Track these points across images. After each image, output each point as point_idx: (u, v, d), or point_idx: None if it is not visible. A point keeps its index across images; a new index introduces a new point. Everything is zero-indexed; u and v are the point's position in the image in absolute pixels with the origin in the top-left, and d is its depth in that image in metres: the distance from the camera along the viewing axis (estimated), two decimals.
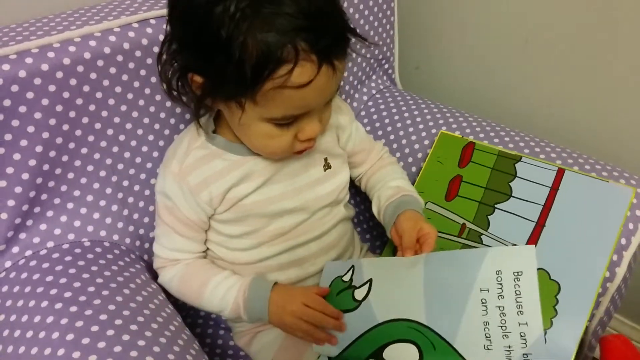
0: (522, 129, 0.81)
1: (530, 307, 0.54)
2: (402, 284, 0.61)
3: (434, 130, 0.81)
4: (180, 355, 0.50)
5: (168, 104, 0.66)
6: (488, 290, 0.56)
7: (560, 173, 0.68)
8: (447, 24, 1.00)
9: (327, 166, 0.67)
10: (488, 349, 0.55)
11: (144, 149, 0.65)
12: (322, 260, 0.67)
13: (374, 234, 0.89)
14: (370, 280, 0.62)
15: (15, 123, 0.54)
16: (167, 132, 0.67)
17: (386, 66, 0.93)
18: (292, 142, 0.56)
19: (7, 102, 0.53)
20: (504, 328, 0.55)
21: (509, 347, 0.54)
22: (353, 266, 0.64)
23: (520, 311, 0.54)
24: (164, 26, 0.63)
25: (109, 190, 0.64)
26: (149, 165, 0.66)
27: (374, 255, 0.78)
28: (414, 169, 0.80)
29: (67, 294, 0.53)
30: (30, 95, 0.54)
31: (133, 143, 0.64)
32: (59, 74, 0.55)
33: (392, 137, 0.83)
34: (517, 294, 0.55)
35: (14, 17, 0.63)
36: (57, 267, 0.57)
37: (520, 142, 0.76)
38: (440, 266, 0.59)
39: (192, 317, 0.79)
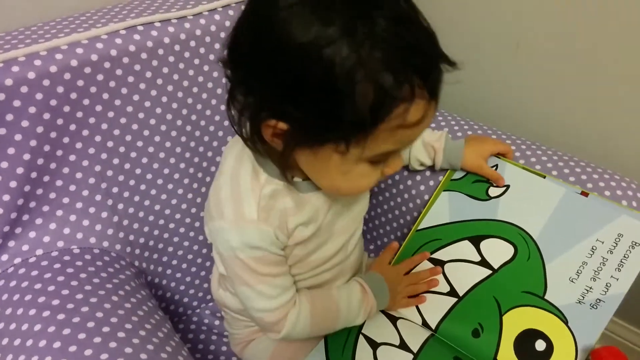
0: (514, 132, 0.81)
1: (629, 271, 0.60)
2: (535, 201, 0.68)
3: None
4: None
5: (158, 110, 0.66)
6: (603, 242, 0.63)
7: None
8: (440, 28, 1.00)
9: None
10: (571, 281, 0.62)
11: (133, 154, 0.65)
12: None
13: (378, 243, 0.88)
14: (507, 186, 0.70)
15: (2, 131, 0.55)
16: (157, 138, 0.67)
17: None
18: (378, 178, 0.54)
19: None
20: (596, 272, 0.61)
21: (590, 287, 0.61)
22: (497, 165, 0.72)
23: (618, 269, 0.61)
24: (151, 32, 0.62)
25: (98, 197, 0.64)
26: (138, 171, 0.66)
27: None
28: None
29: (55, 302, 0.53)
30: (17, 103, 0.54)
31: (122, 149, 0.64)
32: (46, 82, 0.55)
33: None
34: (624, 257, 0.61)
35: (4, 25, 0.64)
36: (45, 274, 0.57)
37: (512, 146, 0.76)
38: (575, 205, 0.66)
39: (185, 322, 0.79)
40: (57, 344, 0.49)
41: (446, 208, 0.71)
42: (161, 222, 0.71)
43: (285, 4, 0.43)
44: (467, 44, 0.98)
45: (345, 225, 0.63)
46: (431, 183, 0.77)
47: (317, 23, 0.42)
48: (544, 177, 0.70)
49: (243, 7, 0.47)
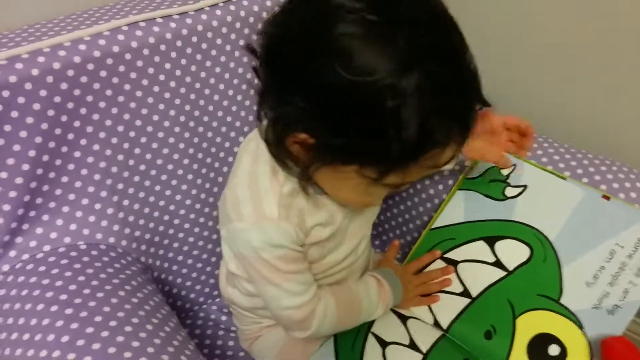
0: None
1: None
2: (552, 203, 0.66)
3: None
4: (174, 356, 0.50)
5: (161, 106, 0.66)
6: (623, 247, 0.61)
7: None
8: None
9: None
10: (588, 285, 0.60)
11: (137, 151, 0.66)
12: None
13: (384, 238, 0.88)
14: (525, 187, 0.68)
15: (7, 128, 0.55)
16: (160, 134, 0.67)
17: None
18: (386, 195, 0.56)
19: None
20: (614, 277, 0.59)
21: (607, 293, 0.59)
22: (515, 165, 0.71)
23: (637, 274, 0.59)
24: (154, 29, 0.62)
25: (103, 194, 0.64)
26: (142, 167, 0.67)
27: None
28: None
29: (63, 297, 0.54)
30: (21, 100, 0.55)
31: (126, 145, 0.64)
32: (50, 79, 0.56)
33: None
34: None
35: (8, 23, 0.64)
36: (53, 270, 0.58)
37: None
38: (595, 207, 0.64)
39: (192, 318, 0.80)
40: (65, 338, 0.49)
41: (461, 207, 0.70)
42: (166, 217, 0.71)
43: (345, 32, 0.42)
44: (473, 41, 0.97)
45: (357, 229, 0.63)
46: (440, 187, 0.76)
47: (374, 57, 0.42)
48: (565, 178, 0.68)
49: (285, 11, 0.46)
